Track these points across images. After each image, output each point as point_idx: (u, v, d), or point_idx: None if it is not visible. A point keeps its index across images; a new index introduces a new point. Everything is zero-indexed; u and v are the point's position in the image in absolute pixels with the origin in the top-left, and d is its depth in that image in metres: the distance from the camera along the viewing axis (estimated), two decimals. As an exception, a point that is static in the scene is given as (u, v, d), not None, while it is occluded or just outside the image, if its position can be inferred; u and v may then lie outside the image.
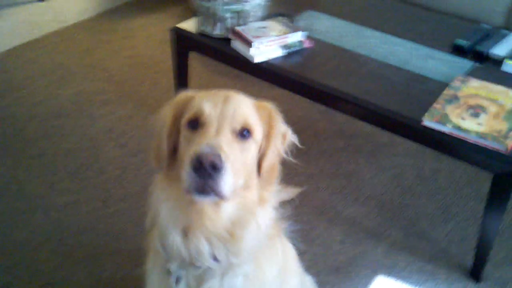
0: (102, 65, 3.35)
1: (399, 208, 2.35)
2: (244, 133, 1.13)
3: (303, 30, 2.29)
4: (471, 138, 1.77)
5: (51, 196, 2.39)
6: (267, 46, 2.20)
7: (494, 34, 2.30)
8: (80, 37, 3.66)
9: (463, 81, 2.00)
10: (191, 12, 2.54)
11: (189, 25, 2.44)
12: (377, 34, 2.37)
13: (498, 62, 2.15)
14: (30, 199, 2.37)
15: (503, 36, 2.28)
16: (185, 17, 2.63)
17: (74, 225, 2.25)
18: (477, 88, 1.96)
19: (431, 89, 2.01)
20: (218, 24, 2.29)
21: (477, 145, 1.76)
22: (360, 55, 2.23)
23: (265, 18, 2.36)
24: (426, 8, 2.79)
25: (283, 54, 2.23)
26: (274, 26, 2.29)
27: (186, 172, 1.04)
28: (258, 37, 2.18)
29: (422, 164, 2.58)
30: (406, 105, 1.96)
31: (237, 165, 1.09)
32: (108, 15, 3.96)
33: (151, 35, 3.68)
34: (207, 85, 3.11)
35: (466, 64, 2.15)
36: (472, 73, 2.08)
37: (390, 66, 2.16)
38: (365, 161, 2.60)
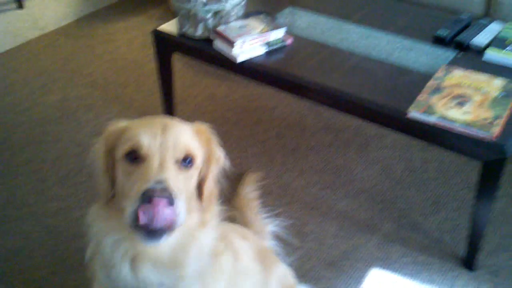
0: (85, 70, 3.33)
1: (390, 200, 2.36)
2: (187, 161, 1.11)
3: (284, 27, 2.28)
4: (458, 127, 1.77)
5: (42, 202, 2.37)
6: (249, 45, 2.19)
7: (474, 24, 2.31)
8: (61, 43, 3.62)
9: (446, 71, 2.01)
10: (172, 14, 2.53)
11: (170, 27, 2.42)
12: (359, 28, 2.37)
13: (480, 51, 2.16)
14: (20, 206, 2.36)
15: (483, 26, 2.28)
16: (165, 19, 2.62)
17: (66, 231, 2.24)
18: (460, 77, 1.97)
19: (415, 81, 2.01)
20: (199, 25, 2.27)
21: (464, 134, 1.76)
22: (342, 50, 2.23)
23: (246, 16, 2.35)
24: (406, 0, 2.80)
25: (266, 52, 2.22)
26: (255, 24, 2.28)
27: (132, 210, 1.00)
28: (240, 36, 2.17)
29: (411, 155, 2.59)
30: (391, 97, 1.96)
31: (184, 195, 1.08)
32: (88, 19, 3.93)
33: (132, 38, 3.66)
34: (192, 85, 3.12)
35: (449, 54, 2.16)
36: (455, 63, 2.08)
37: (373, 59, 2.16)
38: (354, 155, 2.61)
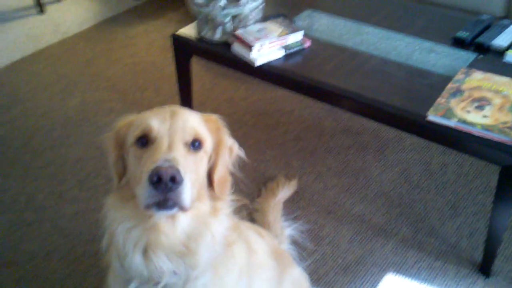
0: (105, 74, 3.36)
1: (408, 204, 2.34)
2: (195, 145, 1.14)
3: (302, 30, 2.28)
4: (477, 131, 1.75)
5: (60, 205, 2.40)
6: (267, 48, 2.19)
7: (494, 25, 2.28)
8: (81, 48, 3.67)
9: (466, 74, 1.99)
10: (190, 17, 2.54)
11: (189, 31, 2.44)
12: (377, 30, 2.36)
13: (500, 53, 2.13)
14: (38, 209, 2.39)
15: (504, 27, 2.25)
16: (184, 22, 2.63)
17: (83, 233, 2.26)
18: (480, 80, 1.95)
19: (434, 83, 1.99)
20: (218, 29, 2.28)
21: (483, 138, 1.74)
22: (361, 52, 2.22)
23: (264, 20, 2.35)
24: (425, 2, 2.78)
25: (284, 55, 2.22)
26: (274, 27, 2.28)
27: (143, 188, 1.04)
28: (258, 39, 2.18)
29: (429, 159, 2.57)
30: (410, 100, 1.94)
31: (193, 177, 1.10)
32: (108, 24, 3.97)
33: (151, 41, 3.69)
34: (210, 88, 3.13)
35: (469, 56, 2.14)
36: (475, 65, 2.06)
37: (392, 62, 2.15)
38: (372, 158, 2.59)
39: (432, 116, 1.82)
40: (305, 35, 2.29)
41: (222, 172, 1.23)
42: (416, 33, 2.32)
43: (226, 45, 2.29)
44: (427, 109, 1.85)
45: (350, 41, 2.29)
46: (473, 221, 2.24)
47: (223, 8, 2.24)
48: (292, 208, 2.32)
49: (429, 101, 1.88)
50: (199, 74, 3.19)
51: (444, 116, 1.81)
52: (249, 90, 3.10)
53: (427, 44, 2.23)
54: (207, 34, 2.34)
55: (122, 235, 1.15)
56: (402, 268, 2.07)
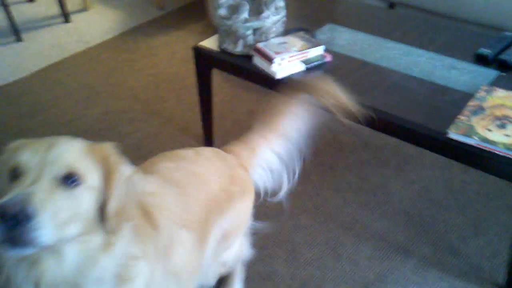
0: (127, 83, 3.40)
1: (428, 222, 2.30)
2: (71, 180, 1.05)
3: (323, 44, 2.27)
4: (499, 150, 1.72)
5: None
6: (288, 62, 2.19)
7: (518, 42, 2.25)
8: (104, 57, 3.72)
9: (488, 91, 1.96)
10: (212, 28, 2.56)
11: (210, 43, 2.45)
12: (399, 45, 2.34)
13: (524, 71, 2.10)
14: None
15: (528, 44, 2.23)
16: (206, 34, 2.65)
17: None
18: (503, 98, 1.92)
19: (456, 100, 1.97)
20: (239, 42, 2.29)
21: (505, 157, 1.72)
22: (382, 68, 2.21)
23: (285, 33, 2.36)
24: (447, 17, 2.76)
25: (305, 69, 2.22)
26: (295, 41, 2.28)
27: None
28: (279, 53, 2.18)
29: (450, 176, 2.53)
30: (431, 117, 1.92)
31: (64, 214, 1.02)
32: (131, 34, 4.02)
33: (173, 52, 3.72)
34: (230, 100, 3.14)
35: (490, 73, 2.11)
36: (497, 83, 2.03)
37: (413, 78, 2.13)
38: (392, 174, 2.57)
39: (453, 134, 1.80)
40: (326, 49, 2.28)
41: (115, 205, 1.12)
42: (437, 49, 2.30)
43: (247, 58, 2.30)
44: (448, 126, 1.82)
45: (371, 56, 2.28)
46: (495, 241, 2.20)
47: (245, 21, 2.25)
48: (310, 222, 2.31)
49: (450, 118, 1.85)
50: (220, 86, 3.20)
51: (465, 134, 1.78)
52: (269, 103, 3.09)
53: (448, 61, 2.21)
54: (228, 46, 2.35)
55: (13, 269, 1.10)
56: (422, 287, 2.04)
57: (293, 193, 2.43)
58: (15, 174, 1.04)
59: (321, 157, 2.69)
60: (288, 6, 2.39)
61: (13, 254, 1.03)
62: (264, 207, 2.22)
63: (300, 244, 2.23)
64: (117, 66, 3.60)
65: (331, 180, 2.55)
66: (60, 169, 1.04)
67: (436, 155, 2.54)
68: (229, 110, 3.07)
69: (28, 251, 1.00)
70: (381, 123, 1.99)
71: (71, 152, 1.09)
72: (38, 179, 1.01)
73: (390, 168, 2.60)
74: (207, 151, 1.75)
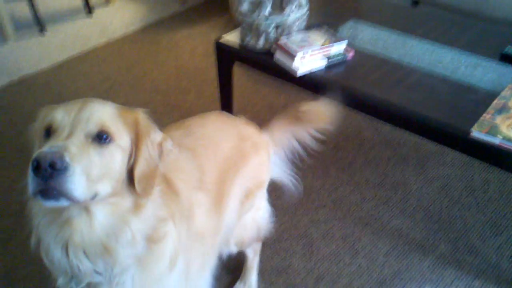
0: (148, 76, 3.42)
1: (447, 220, 2.30)
2: (103, 137, 1.07)
3: (346, 41, 2.27)
4: (522, 150, 1.71)
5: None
6: (310, 58, 2.19)
7: (545, 41, 2.22)
8: (126, 50, 3.75)
9: (513, 91, 1.94)
10: (234, 23, 2.56)
11: (232, 38, 2.46)
12: (423, 43, 2.33)
13: (550, 70, 2.08)
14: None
15: (555, 43, 2.20)
16: (228, 28, 2.66)
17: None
18: (528, 97, 1.90)
19: (480, 99, 1.95)
20: (261, 37, 2.29)
21: (528, 157, 1.70)
22: (405, 65, 2.20)
23: (307, 29, 2.36)
24: (472, 14, 2.73)
25: (327, 65, 2.21)
26: (317, 37, 2.28)
27: (28, 175, 0.99)
28: (301, 48, 2.18)
29: (471, 175, 2.52)
30: (454, 115, 1.91)
31: (96, 170, 1.04)
32: (153, 27, 4.05)
33: (195, 46, 3.74)
34: (251, 94, 3.15)
35: (516, 72, 2.09)
36: (523, 82, 2.01)
37: (436, 76, 2.12)
38: (412, 171, 2.56)
39: (476, 133, 1.79)
40: (349, 45, 2.28)
41: (144, 168, 1.15)
42: (462, 47, 2.28)
43: (269, 53, 2.30)
44: (471, 125, 1.81)
45: (394, 53, 2.27)
46: (515, 241, 2.19)
47: (268, 17, 2.26)
48: (328, 217, 2.31)
49: (474, 117, 1.84)
50: (241, 80, 3.21)
51: (489, 133, 1.77)
52: (290, 98, 3.10)
53: (473, 59, 2.19)
54: (250, 42, 2.35)
55: (43, 230, 1.13)
56: (439, 286, 2.04)
57: (311, 188, 2.45)
58: (49, 132, 1.08)
59: (341, 152, 2.69)
60: (311, 1, 2.38)
61: (46, 205, 1.04)
62: (282, 200, 2.24)
63: (317, 238, 2.24)
64: (139, 59, 3.63)
65: (350, 176, 2.55)
66: (92, 126, 1.07)
67: (457, 153, 2.53)
68: (249, 103, 3.09)
69: (61, 203, 1.01)
70: (404, 120, 1.98)
71: (104, 112, 1.11)
72: (71, 135, 1.04)
73: (410, 165, 2.59)
74: (213, 114, 1.78)
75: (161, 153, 1.22)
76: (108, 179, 1.08)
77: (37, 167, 0.96)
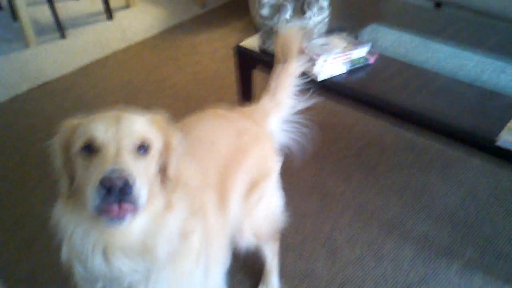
0: (168, 81, 3.43)
1: (474, 226, 2.26)
2: (143, 149, 1.13)
3: (367, 45, 2.25)
4: (551, 157, 1.68)
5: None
6: (331, 63, 2.17)
7: None
8: (146, 54, 3.76)
9: (540, 96, 1.91)
10: (254, 26, 2.56)
11: (252, 42, 2.45)
12: (445, 47, 2.30)
13: None
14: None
15: None
16: (247, 32, 2.65)
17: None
18: (556, 102, 1.87)
19: (505, 106, 1.92)
20: (282, 42, 2.28)
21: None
22: (428, 70, 2.17)
23: (328, 33, 2.34)
24: (497, 16, 2.68)
25: (348, 70, 2.20)
26: (338, 42, 2.26)
27: (93, 199, 1.03)
28: (321, 53, 2.16)
29: (497, 181, 2.48)
30: (479, 122, 1.88)
31: (143, 180, 1.09)
32: (172, 32, 4.06)
33: (215, 50, 3.74)
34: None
35: (543, 78, 2.05)
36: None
37: (461, 81, 2.08)
38: (437, 177, 2.53)
39: (503, 140, 1.76)
40: (370, 50, 2.26)
41: (174, 168, 1.23)
42: (486, 51, 2.24)
43: (290, 58, 2.29)
44: (498, 132, 1.78)
45: (417, 58, 2.24)
46: (543, 247, 2.15)
47: (288, 21, 2.24)
48: (351, 221, 2.30)
49: (500, 124, 1.81)
50: (261, 85, 3.18)
51: (516, 139, 1.74)
52: (309, 102, 3.07)
53: (498, 64, 2.15)
54: (270, 46, 2.34)
55: (80, 238, 1.15)
56: (467, 292, 2.02)
57: (335, 192, 2.44)
58: (90, 148, 1.10)
59: (363, 157, 2.67)
60: (332, 5, 2.37)
61: (113, 225, 1.07)
62: (305, 204, 2.22)
63: (341, 243, 2.23)
64: (159, 63, 3.64)
65: (374, 181, 2.53)
66: (135, 140, 1.12)
67: (482, 159, 2.51)
68: (269, 108, 3.07)
69: (126, 223, 1.06)
70: (428, 127, 1.95)
71: (141, 124, 1.16)
72: (120, 152, 1.08)
73: (434, 171, 2.56)
74: (207, 114, 1.82)
75: (182, 153, 1.28)
76: (148, 185, 1.13)
77: (109, 189, 1.01)
